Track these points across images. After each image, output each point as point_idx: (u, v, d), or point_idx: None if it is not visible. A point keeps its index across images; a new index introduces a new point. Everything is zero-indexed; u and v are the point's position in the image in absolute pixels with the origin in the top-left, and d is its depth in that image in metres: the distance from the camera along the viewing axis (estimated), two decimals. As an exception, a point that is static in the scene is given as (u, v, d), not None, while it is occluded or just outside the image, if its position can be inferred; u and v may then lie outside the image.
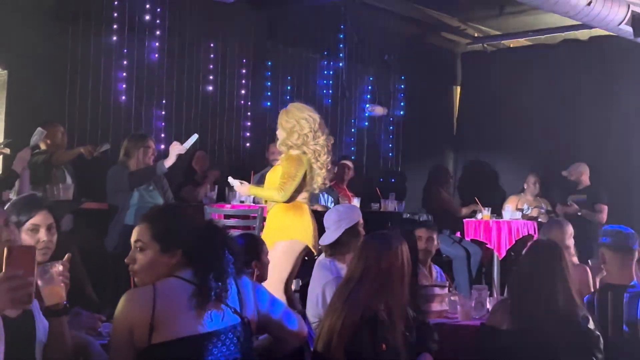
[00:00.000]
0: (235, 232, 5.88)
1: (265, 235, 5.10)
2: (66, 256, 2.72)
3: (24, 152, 5.68)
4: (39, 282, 2.60)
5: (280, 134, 5.37)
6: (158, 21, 7.95)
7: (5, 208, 3.30)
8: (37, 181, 6.02)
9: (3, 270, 2.15)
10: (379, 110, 9.52)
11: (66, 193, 5.71)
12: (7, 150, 5.81)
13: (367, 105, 9.56)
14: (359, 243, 3.53)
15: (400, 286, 3.26)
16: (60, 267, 2.63)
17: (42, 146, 6.36)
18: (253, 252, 4.16)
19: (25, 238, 3.16)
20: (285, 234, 5.17)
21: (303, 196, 5.30)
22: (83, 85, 7.44)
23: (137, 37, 7.81)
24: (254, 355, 2.74)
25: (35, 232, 3.21)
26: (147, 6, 7.88)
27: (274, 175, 5.31)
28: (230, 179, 5.49)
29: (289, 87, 9.12)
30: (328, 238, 4.55)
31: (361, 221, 4.61)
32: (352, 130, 9.72)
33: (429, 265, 5.33)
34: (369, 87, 9.77)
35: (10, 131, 6.85)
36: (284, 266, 5.14)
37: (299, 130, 5.26)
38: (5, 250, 2.19)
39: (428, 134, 10.43)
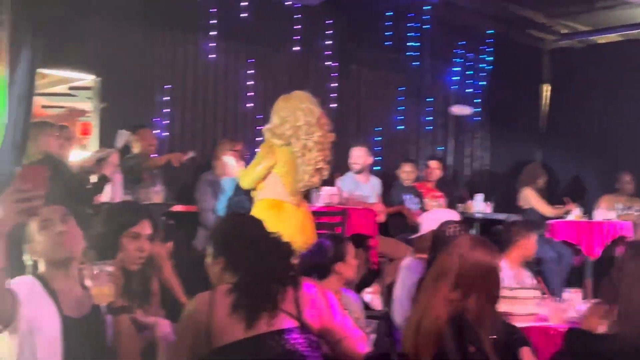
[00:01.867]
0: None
1: None
2: (117, 257, 2.81)
3: (113, 157, 5.84)
4: (89, 282, 2.72)
5: (273, 119, 4.97)
6: (242, 27, 8.05)
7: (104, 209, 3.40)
8: (129, 185, 6.20)
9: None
10: (464, 110, 9.40)
11: (157, 196, 5.84)
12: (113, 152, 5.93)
13: (452, 105, 9.44)
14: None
15: (490, 287, 3.19)
16: (110, 268, 2.71)
17: (135, 150, 6.53)
18: (338, 253, 4.14)
19: (126, 242, 3.22)
20: None
21: (284, 193, 4.87)
22: (175, 89, 7.61)
23: (224, 42, 7.93)
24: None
25: (137, 239, 3.24)
26: (234, 13, 7.99)
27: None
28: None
29: (369, 89, 9.12)
30: (415, 234, 4.60)
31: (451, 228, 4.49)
32: (437, 130, 9.63)
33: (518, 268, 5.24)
34: (454, 87, 9.65)
35: (103, 137, 7.06)
36: None
37: (293, 122, 4.87)
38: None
39: (515, 132, 10.24)
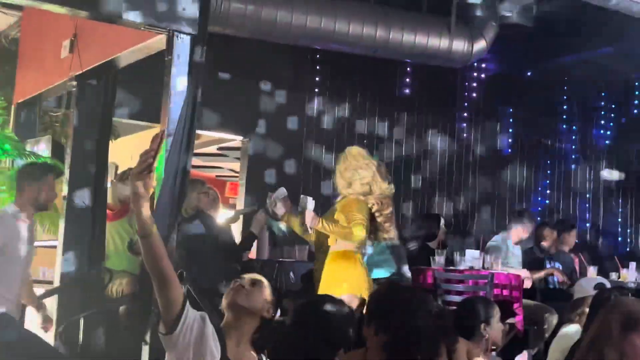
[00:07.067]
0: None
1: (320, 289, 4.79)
2: None
3: (260, 215, 5.96)
4: None
5: (339, 182, 5.06)
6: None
7: None
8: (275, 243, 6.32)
9: None
10: (616, 175, 9.03)
11: (301, 254, 5.92)
12: (254, 209, 6.07)
13: (603, 170, 9.10)
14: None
15: None
16: None
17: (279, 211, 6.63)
18: (485, 315, 3.99)
19: None
20: (339, 287, 4.69)
21: (352, 245, 4.88)
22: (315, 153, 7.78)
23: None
24: None
25: None
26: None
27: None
28: (304, 197, 5.06)
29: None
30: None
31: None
32: (588, 195, 9.31)
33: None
34: (605, 151, 9.33)
35: (249, 195, 7.26)
36: None
37: (360, 180, 4.96)
38: None
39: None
